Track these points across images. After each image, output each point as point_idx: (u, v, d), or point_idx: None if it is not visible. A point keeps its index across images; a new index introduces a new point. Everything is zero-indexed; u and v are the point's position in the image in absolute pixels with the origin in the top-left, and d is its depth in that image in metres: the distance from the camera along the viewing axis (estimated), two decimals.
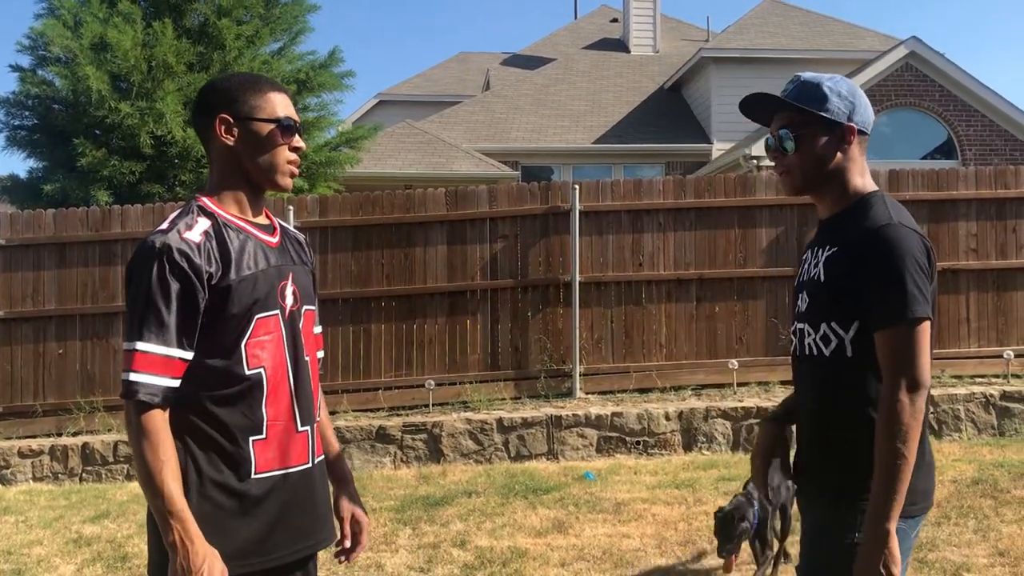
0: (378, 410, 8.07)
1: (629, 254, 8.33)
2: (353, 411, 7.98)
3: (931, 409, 7.46)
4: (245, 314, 2.02)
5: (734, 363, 8.11)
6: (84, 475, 7.57)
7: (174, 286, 1.94)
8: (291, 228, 2.32)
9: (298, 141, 2.15)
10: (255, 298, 2.04)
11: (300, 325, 2.15)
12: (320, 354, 2.35)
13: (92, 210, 8.32)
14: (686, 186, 8.48)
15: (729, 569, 4.16)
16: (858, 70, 15.13)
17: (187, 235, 1.99)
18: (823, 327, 2.12)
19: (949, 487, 5.94)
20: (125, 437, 7.56)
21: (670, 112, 19.12)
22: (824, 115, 2.15)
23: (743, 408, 7.51)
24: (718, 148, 17.48)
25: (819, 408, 2.16)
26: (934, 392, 7.58)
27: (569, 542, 5.23)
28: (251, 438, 2.03)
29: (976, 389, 7.72)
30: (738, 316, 8.32)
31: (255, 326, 2.04)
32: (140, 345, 1.93)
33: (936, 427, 7.54)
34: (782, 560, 4.50)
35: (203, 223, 2.04)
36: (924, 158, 15.26)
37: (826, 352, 2.12)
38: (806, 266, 2.26)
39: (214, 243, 2.02)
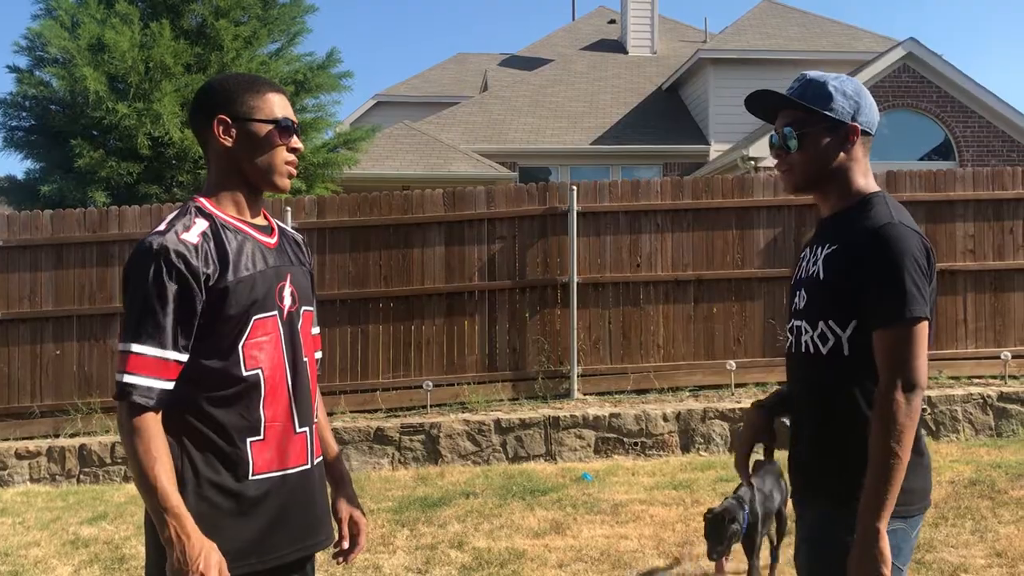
0: (376, 411, 8.06)
1: (627, 255, 8.33)
2: (351, 412, 7.97)
3: (928, 410, 7.49)
4: (243, 315, 2.02)
5: (732, 364, 8.11)
6: (81, 476, 7.56)
7: (171, 288, 1.94)
8: (289, 229, 2.32)
9: (296, 142, 2.14)
10: (253, 299, 2.03)
11: (299, 326, 2.15)
12: (318, 355, 2.34)
13: (89, 211, 8.31)
14: (684, 187, 8.48)
15: (720, 571, 4.14)
16: (856, 71, 15.13)
17: (184, 236, 1.98)
18: (821, 325, 2.12)
19: (947, 488, 5.94)
20: None
21: (668, 113, 19.13)
22: (828, 114, 2.14)
23: (741, 409, 7.51)
24: (716, 149, 17.49)
25: (815, 406, 2.16)
26: (932, 393, 7.59)
27: (567, 543, 5.22)
28: (249, 439, 2.02)
29: (973, 390, 7.72)
30: (736, 317, 8.33)
31: (253, 327, 2.03)
32: (135, 347, 1.93)
33: (934, 428, 7.55)
34: (775, 561, 4.49)
35: (201, 224, 2.03)
36: (921, 159, 15.27)
37: (823, 350, 2.12)
38: (804, 264, 2.25)
39: (212, 244, 2.01)
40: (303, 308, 2.18)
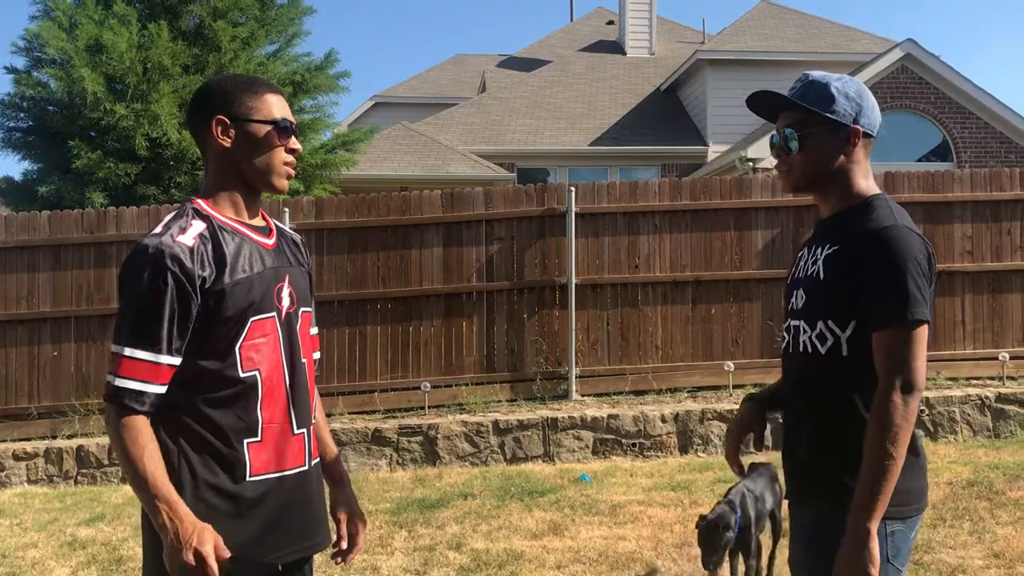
0: (374, 412, 8.06)
1: (625, 256, 8.33)
2: (349, 413, 7.97)
3: (927, 411, 7.49)
4: (240, 317, 2.01)
5: (730, 365, 8.11)
6: (79, 478, 7.55)
7: (165, 291, 1.93)
8: (287, 229, 2.31)
9: (294, 143, 2.14)
10: (250, 301, 2.03)
11: (297, 327, 2.14)
12: (316, 355, 2.34)
13: (87, 212, 8.30)
14: (682, 188, 8.48)
15: None
16: (854, 72, 15.14)
17: (180, 239, 1.98)
18: (820, 325, 2.12)
19: (945, 489, 5.94)
20: None
21: (666, 114, 19.13)
22: (830, 116, 2.14)
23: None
24: (714, 150, 17.49)
25: (813, 407, 2.15)
26: (930, 394, 7.59)
27: (565, 544, 5.22)
28: (246, 440, 2.02)
29: (971, 391, 7.73)
30: (734, 318, 8.33)
31: (250, 329, 2.03)
32: (128, 351, 1.92)
33: (932, 429, 7.55)
34: (772, 563, 4.47)
35: (197, 226, 2.02)
36: (919, 160, 15.28)
37: (821, 350, 2.12)
38: (802, 263, 2.25)
39: (208, 246, 2.01)
40: (301, 309, 2.17)
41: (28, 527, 6.18)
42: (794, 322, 2.21)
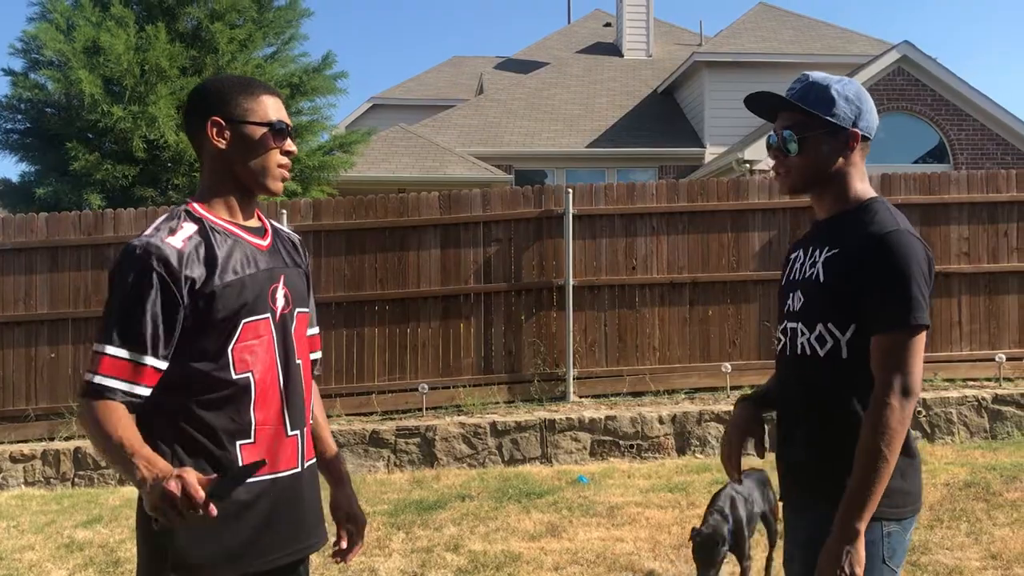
0: (371, 414, 8.06)
1: (622, 258, 8.34)
2: (346, 415, 7.97)
3: (923, 412, 7.50)
4: (231, 319, 2.00)
5: (727, 366, 8.12)
6: (76, 480, 7.55)
7: (152, 291, 1.92)
8: (285, 230, 2.30)
9: (290, 145, 2.13)
10: (242, 303, 2.02)
11: (292, 328, 2.13)
12: (317, 355, 2.33)
13: (84, 214, 8.30)
14: (679, 190, 8.49)
15: None
16: (850, 74, 15.15)
17: (169, 240, 1.97)
18: (819, 327, 2.12)
19: (942, 490, 5.95)
20: None
21: (663, 116, 19.15)
22: (830, 119, 2.14)
23: None
24: (711, 152, 17.51)
25: (812, 409, 2.15)
26: (927, 395, 7.60)
27: (563, 546, 5.22)
28: (239, 442, 2.01)
29: (968, 392, 7.74)
30: (731, 319, 8.34)
31: (242, 331, 2.02)
32: (109, 349, 1.91)
33: (928, 430, 7.56)
34: (769, 566, 4.46)
35: (188, 228, 2.02)
36: (916, 162, 15.31)
37: (820, 352, 2.12)
38: (798, 265, 2.24)
39: (199, 248, 2.00)
40: (297, 310, 2.16)
41: (25, 529, 6.17)
42: (791, 324, 2.21)
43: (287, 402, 2.09)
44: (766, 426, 2.34)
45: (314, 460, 2.22)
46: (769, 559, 4.46)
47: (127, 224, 8.14)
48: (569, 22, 26.96)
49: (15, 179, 12.56)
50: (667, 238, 8.35)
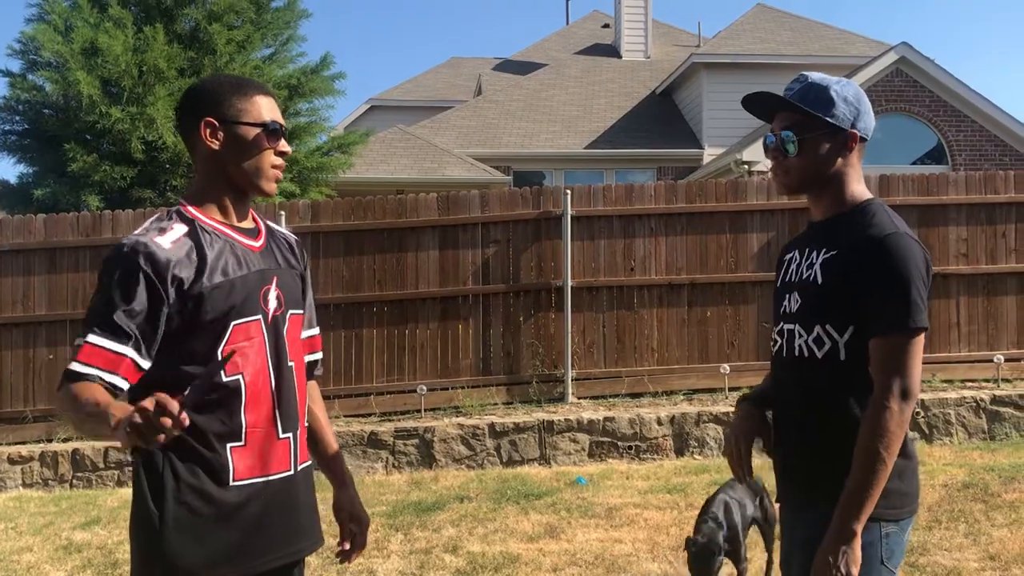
0: (370, 415, 8.05)
1: (621, 259, 8.34)
2: (345, 416, 7.96)
3: (922, 413, 7.51)
4: (220, 321, 1.99)
5: (726, 367, 8.12)
6: (74, 481, 7.54)
7: (136, 289, 1.91)
8: (282, 230, 2.29)
9: (284, 145, 2.12)
10: (231, 304, 2.00)
11: (284, 330, 2.12)
12: (318, 355, 2.33)
13: (83, 215, 8.29)
14: (677, 191, 8.50)
15: None
16: (849, 75, 15.17)
17: (158, 239, 1.97)
18: (817, 329, 2.12)
19: (940, 491, 5.95)
20: (116, 443, 7.53)
21: (661, 117, 19.16)
22: (830, 120, 2.13)
23: (734, 413, 7.50)
24: (709, 153, 17.52)
25: (810, 411, 2.15)
26: (925, 396, 7.61)
27: (561, 547, 5.22)
28: (229, 445, 2.00)
29: (967, 393, 7.74)
30: (729, 320, 8.34)
31: (232, 333, 2.00)
32: (90, 338, 1.89)
33: (927, 431, 7.57)
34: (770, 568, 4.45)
35: (179, 229, 2.01)
36: (914, 163, 15.33)
37: (818, 354, 2.12)
38: (793, 267, 2.24)
39: (189, 249, 1.99)
40: (290, 312, 2.15)
41: (23, 531, 6.16)
42: (788, 326, 2.21)
43: (279, 404, 2.07)
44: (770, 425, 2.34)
45: (309, 463, 2.20)
46: (769, 562, 4.44)
47: (125, 225, 8.13)
48: (567, 23, 26.97)
49: (13, 180, 12.55)
50: (665, 239, 8.35)
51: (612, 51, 22.43)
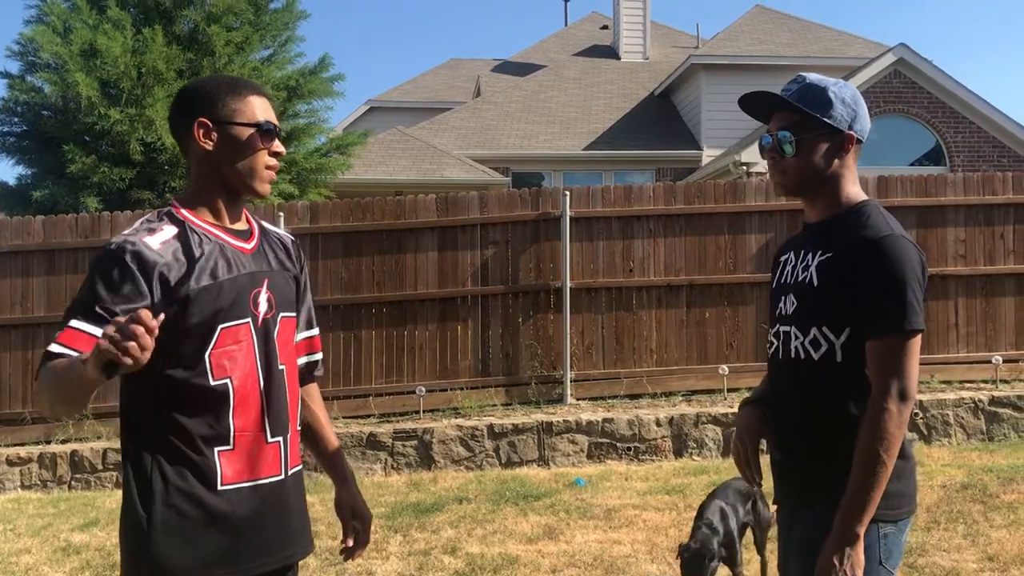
0: (369, 417, 8.05)
1: (620, 260, 8.34)
2: (344, 418, 7.96)
3: (920, 414, 7.51)
4: (207, 324, 1.97)
5: (724, 369, 8.13)
6: (73, 483, 7.53)
7: (122, 285, 1.90)
8: (278, 231, 2.27)
9: (278, 146, 2.10)
10: (218, 307, 1.99)
11: (274, 333, 2.09)
12: (316, 357, 2.32)
13: (81, 217, 8.29)
14: (676, 192, 8.50)
15: None
16: (847, 77, 15.19)
17: (147, 240, 1.96)
18: (813, 331, 2.12)
19: (939, 492, 5.95)
20: (115, 445, 7.54)
21: (660, 118, 19.17)
22: (828, 121, 2.14)
23: (733, 414, 7.52)
24: (708, 154, 17.53)
25: (806, 412, 2.15)
26: (924, 397, 7.61)
27: (560, 548, 5.22)
28: (216, 449, 1.98)
29: (965, 394, 7.75)
30: (728, 322, 8.34)
31: (220, 336, 1.99)
32: (72, 323, 1.88)
33: (925, 432, 7.57)
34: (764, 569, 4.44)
35: (168, 230, 2.00)
36: (912, 164, 15.33)
37: (815, 356, 2.12)
38: (789, 268, 2.25)
39: (177, 251, 1.98)
40: (281, 315, 2.12)
41: (22, 533, 6.16)
42: (784, 328, 2.21)
43: (268, 409, 2.05)
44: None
45: (300, 467, 2.18)
46: (763, 564, 4.44)
47: (124, 227, 8.07)
48: (566, 25, 26.99)
49: (12, 182, 12.56)
50: (664, 240, 8.35)
51: (611, 52, 22.45)
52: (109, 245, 1.96)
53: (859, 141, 2.18)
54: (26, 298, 8.07)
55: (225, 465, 1.99)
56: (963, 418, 7.63)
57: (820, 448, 2.12)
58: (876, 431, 1.98)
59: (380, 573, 4.94)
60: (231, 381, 2.00)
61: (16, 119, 12.03)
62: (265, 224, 2.24)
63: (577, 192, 8.41)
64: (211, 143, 2.04)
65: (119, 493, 7.12)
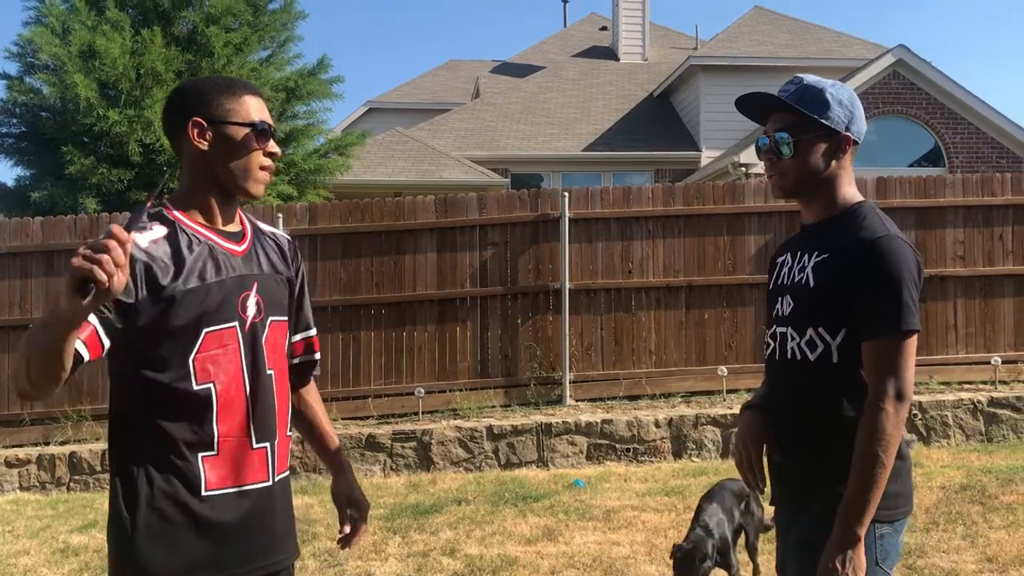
0: (367, 418, 8.05)
1: (618, 261, 8.34)
2: (342, 419, 7.96)
3: (919, 415, 7.51)
4: (191, 327, 1.95)
5: (723, 370, 8.13)
6: (71, 484, 7.53)
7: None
8: (274, 232, 2.24)
9: (273, 146, 2.08)
10: (203, 311, 1.96)
11: (263, 337, 2.07)
12: (316, 356, 2.33)
13: (80, 218, 8.29)
14: (675, 193, 8.50)
15: None
16: (846, 78, 15.20)
17: (135, 237, 1.93)
18: (809, 332, 2.12)
19: (938, 493, 5.95)
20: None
21: (659, 120, 19.17)
22: (825, 123, 2.14)
23: (732, 415, 7.52)
24: (707, 155, 17.54)
25: (803, 413, 2.15)
26: (922, 398, 7.62)
27: (559, 550, 5.22)
28: (200, 454, 1.96)
29: (964, 395, 7.75)
30: (727, 323, 8.34)
31: (204, 340, 1.96)
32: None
33: (924, 433, 7.57)
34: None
35: (158, 231, 1.98)
36: (911, 165, 15.34)
37: (811, 357, 2.12)
38: (785, 270, 2.25)
39: (165, 251, 1.96)
40: (270, 318, 2.09)
41: (20, 534, 6.15)
42: (780, 329, 2.21)
43: (253, 414, 2.02)
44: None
45: (287, 473, 2.16)
46: (756, 571, 4.42)
47: None
48: (565, 26, 27.00)
49: (10, 183, 12.55)
50: (663, 241, 8.35)
51: (610, 54, 22.46)
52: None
53: (856, 142, 2.19)
54: (24, 299, 8.07)
55: (209, 471, 1.97)
56: (962, 419, 7.63)
57: (816, 449, 2.13)
58: (874, 432, 1.98)
59: (379, 574, 4.94)
60: (214, 386, 1.97)
61: (15, 120, 12.02)
62: (261, 225, 2.22)
63: (576, 193, 8.41)
64: (205, 143, 2.02)
65: None
